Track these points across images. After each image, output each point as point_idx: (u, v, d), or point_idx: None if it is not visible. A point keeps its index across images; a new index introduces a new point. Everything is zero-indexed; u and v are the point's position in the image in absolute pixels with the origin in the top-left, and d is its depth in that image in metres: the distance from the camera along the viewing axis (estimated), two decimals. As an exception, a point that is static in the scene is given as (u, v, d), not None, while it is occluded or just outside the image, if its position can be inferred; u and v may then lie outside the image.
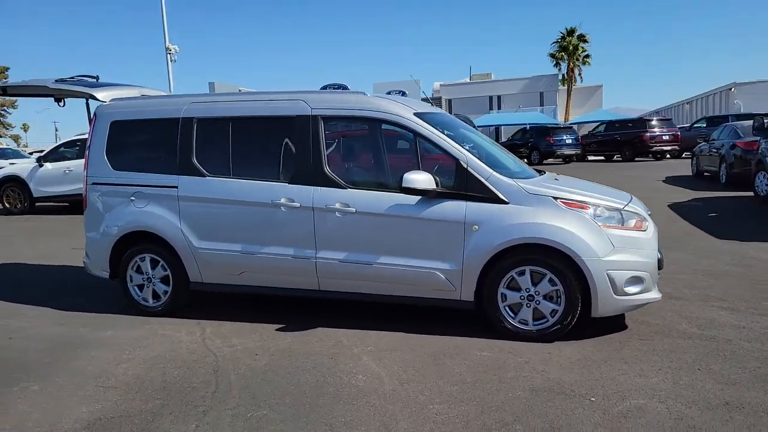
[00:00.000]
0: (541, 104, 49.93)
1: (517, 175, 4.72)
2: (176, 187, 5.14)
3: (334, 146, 4.92)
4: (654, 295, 4.40)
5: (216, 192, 5.02)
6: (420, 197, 4.47)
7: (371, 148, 5.19)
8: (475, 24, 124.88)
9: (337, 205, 4.65)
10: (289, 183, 4.83)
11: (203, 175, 5.07)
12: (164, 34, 22.04)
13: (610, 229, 4.29)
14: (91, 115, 5.63)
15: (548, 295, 4.32)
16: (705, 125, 25.85)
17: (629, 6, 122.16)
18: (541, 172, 5.10)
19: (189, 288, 5.28)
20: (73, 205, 14.38)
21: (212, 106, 5.19)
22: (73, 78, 6.07)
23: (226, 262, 5.03)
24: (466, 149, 4.57)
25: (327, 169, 4.75)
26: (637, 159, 25.34)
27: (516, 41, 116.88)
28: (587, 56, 45.60)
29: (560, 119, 43.68)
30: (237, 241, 4.99)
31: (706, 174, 15.68)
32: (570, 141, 26.26)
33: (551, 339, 4.34)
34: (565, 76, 46.40)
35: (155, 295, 5.38)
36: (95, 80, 6.31)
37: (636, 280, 4.28)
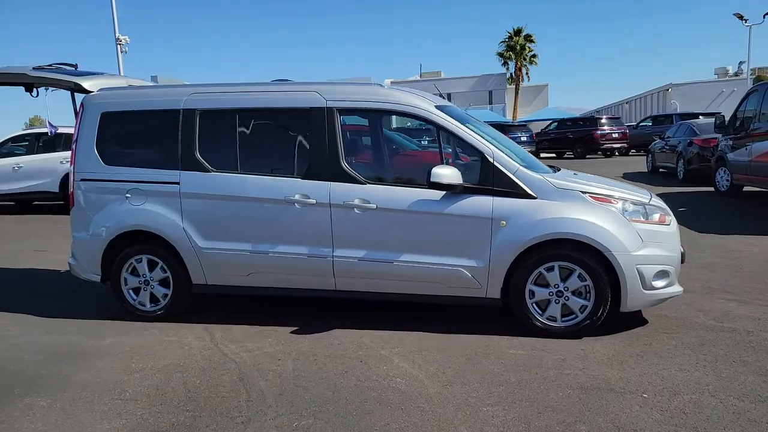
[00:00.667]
0: (490, 103, 50.85)
1: (540, 170, 4.66)
2: (178, 183, 4.82)
3: (351, 140, 4.71)
4: (677, 288, 4.43)
5: (223, 188, 4.73)
6: (445, 192, 4.34)
7: (391, 141, 5.02)
8: (426, 22, 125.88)
9: (357, 201, 4.45)
10: (303, 178, 4.60)
11: (207, 171, 4.77)
12: (114, 24, 21.00)
13: (637, 223, 4.28)
14: (77, 106, 5.22)
15: (577, 291, 4.27)
16: (651, 124, 26.95)
17: (571, 6, 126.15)
18: (555, 168, 5.06)
19: (191, 291, 4.97)
20: (21, 204, 13.52)
21: (216, 97, 4.88)
22: (51, 66, 5.61)
23: (234, 263, 4.75)
24: (491, 143, 4.47)
25: (344, 164, 4.54)
26: (587, 156, 26.07)
27: (466, 40, 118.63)
28: (534, 56, 46.65)
29: (509, 117, 44.54)
30: (246, 240, 4.72)
31: (662, 170, 16.24)
32: (525, 138, 26.75)
33: (580, 335, 4.30)
34: (513, 75, 47.31)
35: (153, 299, 5.04)
36: (74, 69, 5.85)
37: (663, 275, 4.29)
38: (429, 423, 3.16)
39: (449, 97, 53.47)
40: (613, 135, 25.85)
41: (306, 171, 4.61)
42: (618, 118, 29.32)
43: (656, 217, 4.40)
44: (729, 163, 11.45)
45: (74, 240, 5.19)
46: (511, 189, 4.31)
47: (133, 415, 3.36)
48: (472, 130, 4.50)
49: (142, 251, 4.98)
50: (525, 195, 4.29)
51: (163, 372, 3.95)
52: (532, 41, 46.20)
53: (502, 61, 47.08)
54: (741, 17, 33.31)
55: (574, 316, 4.31)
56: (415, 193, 4.43)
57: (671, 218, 4.51)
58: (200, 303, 5.28)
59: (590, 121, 27.48)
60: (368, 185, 4.50)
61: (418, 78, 52.56)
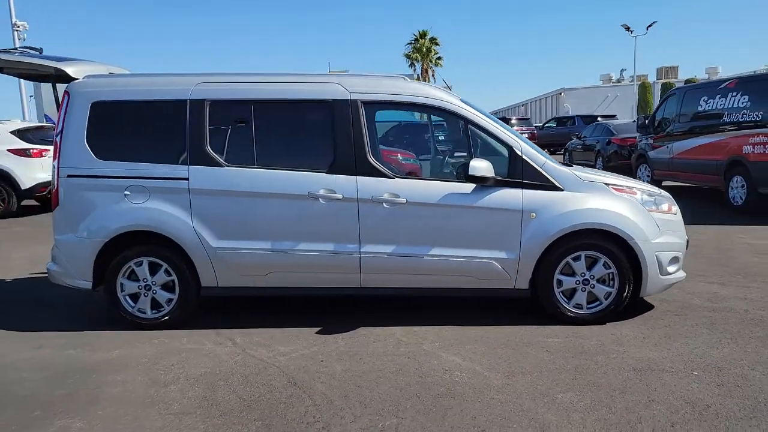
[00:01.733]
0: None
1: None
2: (186, 178, 4.47)
3: (377, 134, 4.59)
4: (683, 274, 4.74)
5: (238, 184, 4.46)
6: (475, 186, 4.37)
7: (417, 135, 4.96)
8: (335, 22, 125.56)
9: (386, 196, 4.37)
10: (327, 173, 4.44)
11: (220, 165, 4.47)
12: (10, 8, 18.97)
13: (653, 212, 4.53)
14: (58, 95, 4.70)
15: (602, 279, 4.46)
16: (555, 125, 28.64)
17: (475, 13, 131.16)
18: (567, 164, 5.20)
19: (199, 295, 4.63)
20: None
21: (228, 87, 4.59)
22: (16, 49, 5.02)
23: (252, 263, 4.49)
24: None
25: (371, 158, 4.44)
26: (499, 155, 27.20)
27: (374, 42, 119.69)
28: (439, 58, 48.02)
29: (418, 118, 45.45)
30: (266, 238, 4.48)
31: (579, 168, 17.30)
32: (443, 138, 27.46)
33: (604, 321, 4.48)
34: (420, 76, 48.36)
35: (155, 305, 4.64)
36: (39, 53, 5.27)
37: (675, 260, 4.58)
38: (514, 413, 3.16)
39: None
40: (523, 135, 27.09)
41: (331, 165, 4.45)
42: (527, 119, 30.86)
43: (665, 206, 4.69)
44: (650, 160, 12.42)
45: (58, 243, 4.67)
46: (539, 181, 4.41)
47: (196, 430, 3.08)
48: (498, 124, 4.56)
49: (142, 253, 4.57)
50: (553, 187, 4.41)
51: (202, 382, 3.65)
52: (437, 44, 47.53)
53: (410, 63, 48.07)
54: (628, 28, 36.25)
55: (598, 303, 4.49)
56: (446, 187, 4.42)
57: (676, 207, 4.82)
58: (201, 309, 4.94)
59: (502, 121, 28.70)
60: (397, 179, 4.43)
61: (325, 77, 52.19)
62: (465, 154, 4.61)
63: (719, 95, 10.10)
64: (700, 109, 10.70)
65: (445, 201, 4.39)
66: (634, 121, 14.25)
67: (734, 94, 9.72)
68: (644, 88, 40.90)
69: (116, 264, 4.57)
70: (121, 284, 4.61)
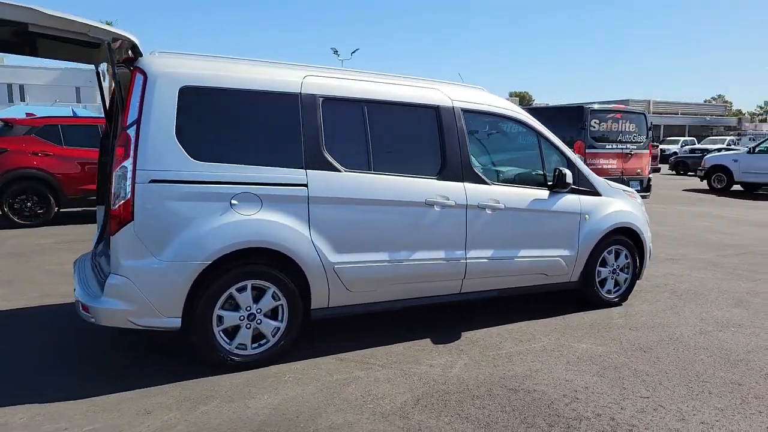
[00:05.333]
0: (78, 100, 45.52)
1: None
2: (305, 185, 3.85)
3: (469, 141, 4.64)
4: None
5: (359, 191, 4.04)
6: (549, 192, 4.89)
7: (505, 144, 5.09)
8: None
9: (489, 202, 4.55)
10: (438, 179, 4.37)
11: (338, 170, 3.98)
12: None
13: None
14: (134, 75, 3.49)
15: (623, 267, 5.45)
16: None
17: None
18: None
19: (307, 319, 4.01)
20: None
21: (339, 83, 4.09)
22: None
23: (371, 277, 4.11)
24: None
25: (473, 165, 4.55)
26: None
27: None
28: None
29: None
30: (384, 249, 4.17)
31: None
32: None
33: (620, 303, 5.48)
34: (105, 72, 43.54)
35: (258, 337, 3.84)
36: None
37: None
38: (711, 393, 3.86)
39: (21, 89, 45.42)
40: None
41: (440, 171, 4.39)
42: None
43: (644, 206, 5.96)
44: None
45: (127, 271, 3.44)
46: (587, 188, 5.16)
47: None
48: (556, 138, 5.15)
49: (246, 276, 3.73)
50: (595, 193, 5.22)
51: (415, 410, 3.32)
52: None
53: (95, 56, 42.78)
54: (335, 51, 39.65)
55: (619, 287, 5.47)
56: (531, 193, 4.82)
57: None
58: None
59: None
60: (493, 186, 4.63)
61: None
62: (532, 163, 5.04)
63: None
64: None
65: (532, 206, 4.79)
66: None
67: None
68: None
69: (214, 292, 3.64)
70: (219, 317, 3.68)
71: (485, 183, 4.58)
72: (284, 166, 3.82)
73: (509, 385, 3.64)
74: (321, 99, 3.98)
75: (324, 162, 3.94)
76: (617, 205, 5.35)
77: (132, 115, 3.44)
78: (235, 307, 3.75)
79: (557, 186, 4.84)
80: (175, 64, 3.60)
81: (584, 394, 3.54)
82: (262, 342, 3.86)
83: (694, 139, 39.64)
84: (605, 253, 5.31)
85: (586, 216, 5.11)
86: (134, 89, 3.47)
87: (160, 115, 3.48)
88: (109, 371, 3.76)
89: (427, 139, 4.45)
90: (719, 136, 44.33)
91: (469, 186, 4.48)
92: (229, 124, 3.74)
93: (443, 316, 5.00)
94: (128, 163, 3.42)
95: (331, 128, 4.01)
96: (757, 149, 16.97)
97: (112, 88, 4.40)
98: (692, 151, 30.53)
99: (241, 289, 3.74)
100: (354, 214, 4.05)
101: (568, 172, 4.82)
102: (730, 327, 4.85)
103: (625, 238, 5.40)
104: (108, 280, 3.49)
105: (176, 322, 3.57)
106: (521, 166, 5.08)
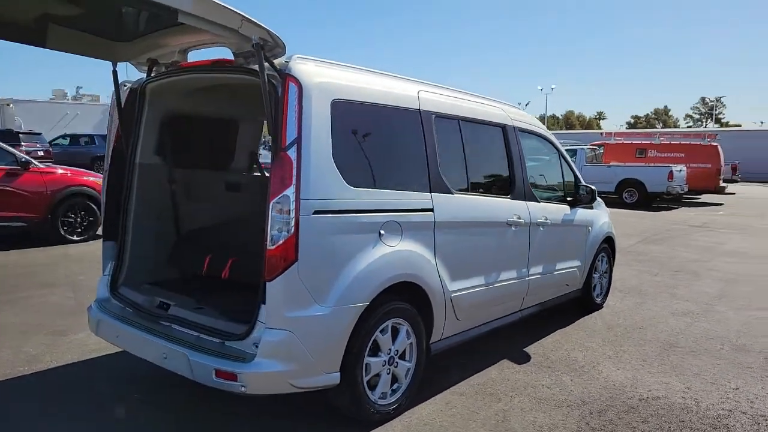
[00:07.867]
0: None
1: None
2: (432, 210, 3.53)
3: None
4: None
5: (466, 214, 3.85)
6: (569, 206, 5.19)
7: (536, 161, 5.08)
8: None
9: (542, 219, 4.67)
10: (509, 198, 4.36)
11: (450, 192, 3.73)
12: None
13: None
14: (286, 85, 2.81)
15: (604, 272, 6.00)
16: (68, 142, 25.93)
17: None
18: None
19: (430, 354, 3.67)
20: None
21: (444, 100, 3.83)
22: None
23: (474, 302, 3.93)
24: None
25: (529, 183, 4.62)
26: None
27: None
28: None
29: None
30: (482, 273, 4.03)
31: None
32: (41, 152, 21.12)
33: (602, 305, 6.02)
34: None
35: (392, 382, 3.39)
36: None
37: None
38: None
39: None
40: (38, 153, 23.38)
41: (510, 190, 4.38)
42: (39, 133, 25.80)
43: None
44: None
45: (293, 324, 2.78)
46: (588, 202, 5.57)
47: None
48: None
49: (387, 315, 3.28)
50: (591, 206, 5.66)
51: (600, 422, 3.34)
52: None
53: None
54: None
55: (602, 290, 6.00)
56: (561, 208, 5.06)
57: None
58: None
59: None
60: (541, 203, 4.76)
61: None
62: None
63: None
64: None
65: (564, 220, 5.04)
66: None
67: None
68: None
69: (364, 336, 3.14)
70: (367, 365, 3.19)
71: (537, 200, 4.69)
72: (415, 190, 3.47)
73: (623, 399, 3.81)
74: (435, 116, 3.70)
75: (441, 184, 3.66)
76: (605, 215, 5.89)
77: (290, 133, 2.80)
78: (376, 352, 3.28)
79: (583, 201, 5.17)
80: (324, 73, 3.03)
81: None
82: (394, 387, 3.43)
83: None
84: (597, 261, 5.80)
85: (589, 227, 5.53)
86: (289, 102, 2.83)
87: (318, 133, 2.90)
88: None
89: (499, 157, 4.41)
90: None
91: (530, 204, 4.55)
92: (373, 144, 3.27)
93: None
94: (290, 192, 2.78)
95: (443, 147, 3.75)
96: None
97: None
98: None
99: (383, 331, 3.28)
100: (464, 238, 3.84)
101: (594, 188, 5.17)
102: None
103: (606, 245, 5.97)
104: (265, 337, 2.79)
105: (335, 378, 3.00)
106: (549, 182, 5.30)
